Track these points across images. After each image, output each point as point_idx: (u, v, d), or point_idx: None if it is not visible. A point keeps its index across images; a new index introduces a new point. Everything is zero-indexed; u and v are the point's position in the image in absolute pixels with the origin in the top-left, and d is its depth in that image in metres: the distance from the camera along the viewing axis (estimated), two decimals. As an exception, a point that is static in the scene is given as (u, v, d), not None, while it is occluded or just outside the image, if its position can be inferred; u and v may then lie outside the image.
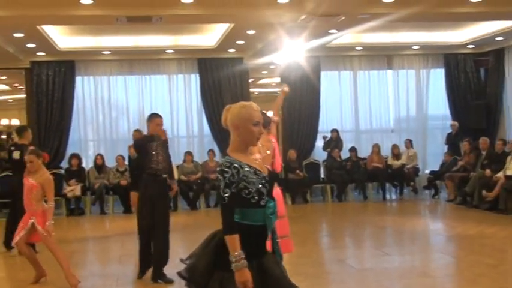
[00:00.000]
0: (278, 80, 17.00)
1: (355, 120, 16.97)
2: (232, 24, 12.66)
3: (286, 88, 7.05)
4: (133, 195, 7.26)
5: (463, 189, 13.33)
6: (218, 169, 3.44)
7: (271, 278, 3.47)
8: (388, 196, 15.32)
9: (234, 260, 3.30)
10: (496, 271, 7.20)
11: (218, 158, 15.17)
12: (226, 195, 3.37)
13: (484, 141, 13.62)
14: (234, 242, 3.33)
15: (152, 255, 7.13)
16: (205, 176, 14.57)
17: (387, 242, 10.09)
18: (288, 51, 13.36)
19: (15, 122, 19.71)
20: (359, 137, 16.99)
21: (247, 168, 3.44)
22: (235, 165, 3.41)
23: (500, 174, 12.33)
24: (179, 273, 3.61)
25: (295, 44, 13.14)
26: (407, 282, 6.94)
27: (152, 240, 7.11)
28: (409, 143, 16.02)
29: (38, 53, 14.71)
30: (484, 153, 13.47)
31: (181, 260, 3.63)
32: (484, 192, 12.40)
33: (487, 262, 7.71)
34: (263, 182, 3.46)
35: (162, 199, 7.21)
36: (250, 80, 17.46)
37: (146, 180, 7.12)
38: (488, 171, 12.75)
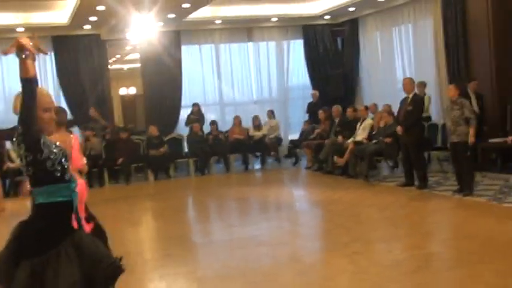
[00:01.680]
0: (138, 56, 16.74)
1: (219, 94, 17.12)
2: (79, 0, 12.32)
3: None
4: None
5: (318, 156, 13.78)
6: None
7: (87, 252, 3.42)
8: (251, 167, 15.54)
9: None
10: (328, 235, 7.52)
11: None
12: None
13: (336, 108, 14.13)
14: None
15: None
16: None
17: (237, 213, 10.28)
18: (141, 26, 13.20)
19: None
20: (223, 109, 17.17)
21: (48, 140, 3.42)
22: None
23: (350, 141, 12.84)
24: None
25: (148, 19, 13.00)
26: (243, 252, 7.10)
27: None
28: (270, 114, 16.33)
29: None
30: (336, 120, 13.97)
31: None
32: (335, 158, 12.89)
33: (324, 227, 8.07)
34: (65, 156, 3.45)
35: None
36: (117, 57, 17.14)
37: None
38: (340, 138, 13.24)
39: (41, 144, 3.38)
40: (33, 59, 3.40)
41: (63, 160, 3.46)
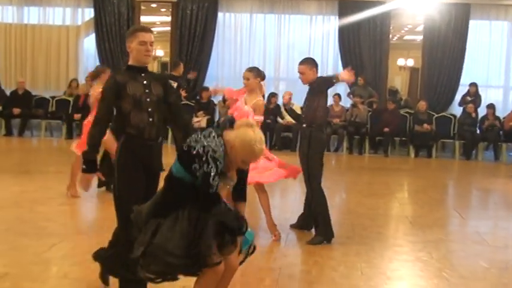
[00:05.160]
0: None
1: (505, 75, 15.78)
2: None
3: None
4: None
5: None
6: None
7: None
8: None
9: None
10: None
11: (343, 102, 15.09)
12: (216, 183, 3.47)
13: None
14: None
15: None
16: (328, 119, 14.43)
17: (474, 205, 9.59)
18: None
19: (160, 53, 20.92)
20: (507, 93, 15.82)
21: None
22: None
23: None
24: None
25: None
26: (456, 246, 6.52)
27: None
28: (562, 103, 14.58)
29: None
30: None
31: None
32: None
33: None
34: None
35: None
36: (408, 27, 16.73)
37: None
38: None
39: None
40: None
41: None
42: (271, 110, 14.46)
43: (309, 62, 6.44)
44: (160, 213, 3.56)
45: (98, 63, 16.16)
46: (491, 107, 14.54)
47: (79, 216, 7.51)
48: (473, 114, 14.45)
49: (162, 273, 3.58)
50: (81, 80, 15.94)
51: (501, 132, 14.27)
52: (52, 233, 6.14)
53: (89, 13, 16.57)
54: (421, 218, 7.82)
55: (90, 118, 6.83)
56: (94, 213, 7.76)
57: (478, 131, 14.37)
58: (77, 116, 14.60)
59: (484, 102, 14.94)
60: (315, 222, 6.37)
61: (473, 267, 5.72)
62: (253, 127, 3.53)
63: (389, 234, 7.04)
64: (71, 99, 15.34)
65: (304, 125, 6.34)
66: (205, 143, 3.41)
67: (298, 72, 6.43)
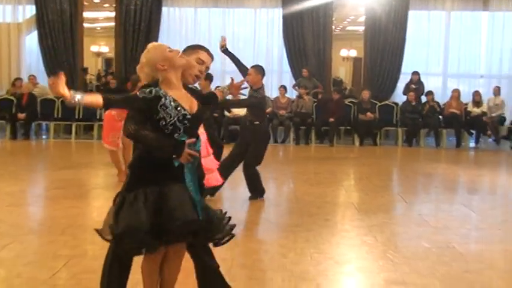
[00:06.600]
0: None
1: (443, 64, 16.30)
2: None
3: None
4: None
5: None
6: (140, 95, 3.56)
7: (169, 205, 3.57)
8: (464, 144, 14.64)
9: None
10: (503, 226, 6.88)
11: (288, 94, 15.31)
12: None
13: None
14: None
15: None
16: (274, 111, 14.67)
17: (417, 190, 9.85)
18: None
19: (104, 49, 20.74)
20: (446, 80, 16.34)
21: (170, 100, 3.59)
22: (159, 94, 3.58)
23: None
24: None
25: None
26: (397, 229, 6.79)
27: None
28: (497, 90, 15.14)
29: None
30: None
31: None
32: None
33: (502, 218, 7.37)
34: (181, 118, 3.60)
35: None
36: (351, 18, 17.00)
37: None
38: None
39: (158, 106, 3.56)
40: None
41: (177, 122, 3.58)
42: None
43: (258, 69, 7.32)
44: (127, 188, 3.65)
45: (41, 60, 15.99)
46: (430, 93, 15.01)
47: (28, 217, 7.46)
48: (414, 102, 14.88)
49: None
50: (25, 79, 15.72)
51: (440, 116, 14.78)
52: (2, 233, 6.12)
53: (30, 10, 16.32)
54: (366, 204, 8.10)
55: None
56: (43, 213, 7.72)
57: (420, 118, 14.79)
58: (21, 116, 14.46)
59: (425, 89, 15.42)
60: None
61: (415, 247, 5.98)
62: None
63: (336, 221, 7.27)
64: (14, 98, 15.12)
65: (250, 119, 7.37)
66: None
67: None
